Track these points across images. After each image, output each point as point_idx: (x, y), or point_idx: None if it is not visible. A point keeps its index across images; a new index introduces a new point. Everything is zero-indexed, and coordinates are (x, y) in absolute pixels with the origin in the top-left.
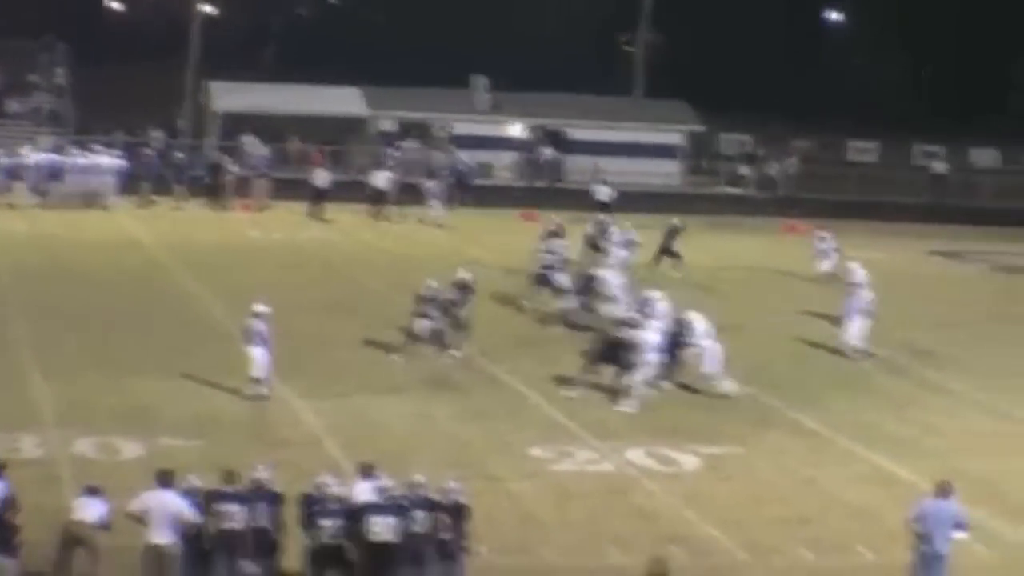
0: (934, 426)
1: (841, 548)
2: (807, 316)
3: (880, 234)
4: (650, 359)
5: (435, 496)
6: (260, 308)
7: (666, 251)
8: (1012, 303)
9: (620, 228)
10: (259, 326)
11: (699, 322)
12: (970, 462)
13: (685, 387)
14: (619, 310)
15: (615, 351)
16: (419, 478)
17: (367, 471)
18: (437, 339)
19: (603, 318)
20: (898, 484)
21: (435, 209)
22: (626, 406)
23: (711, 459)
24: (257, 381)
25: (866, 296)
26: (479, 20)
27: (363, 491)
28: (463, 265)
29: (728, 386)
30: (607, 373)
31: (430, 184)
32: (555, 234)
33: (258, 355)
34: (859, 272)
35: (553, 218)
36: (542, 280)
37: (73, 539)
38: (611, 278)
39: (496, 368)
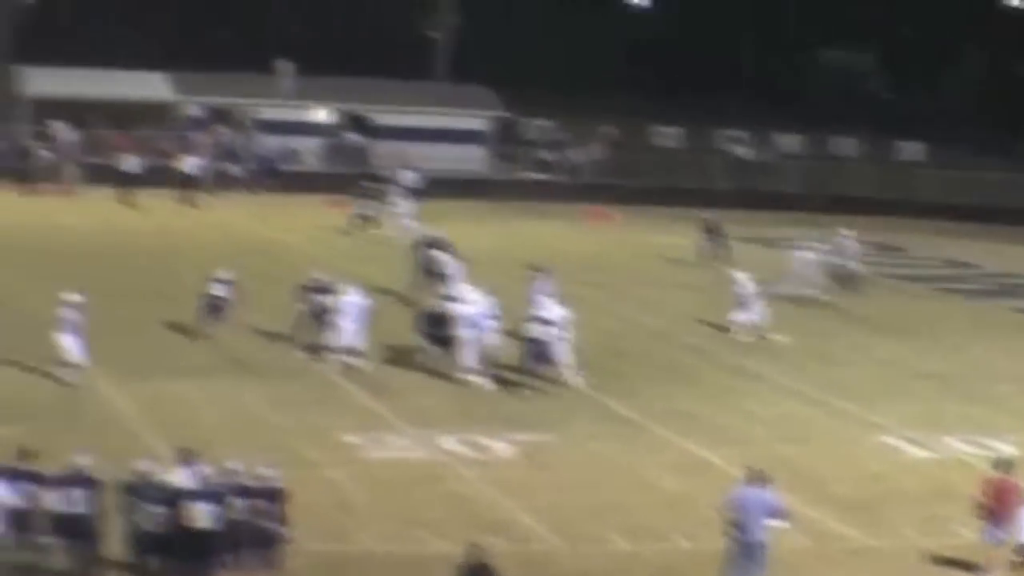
0: (748, 413)
1: (655, 535)
2: (616, 301)
3: (683, 220)
4: (468, 334)
5: (251, 482)
6: (71, 296)
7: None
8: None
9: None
10: (70, 314)
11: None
12: (785, 449)
13: (499, 373)
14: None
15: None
16: (234, 464)
17: (186, 457)
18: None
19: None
20: (712, 471)
21: (399, 207)
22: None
23: (524, 446)
24: (70, 367)
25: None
26: (284, 5)
27: (182, 477)
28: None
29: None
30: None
31: (398, 191)
32: None
33: (69, 342)
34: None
35: None
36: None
37: None
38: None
39: (308, 354)
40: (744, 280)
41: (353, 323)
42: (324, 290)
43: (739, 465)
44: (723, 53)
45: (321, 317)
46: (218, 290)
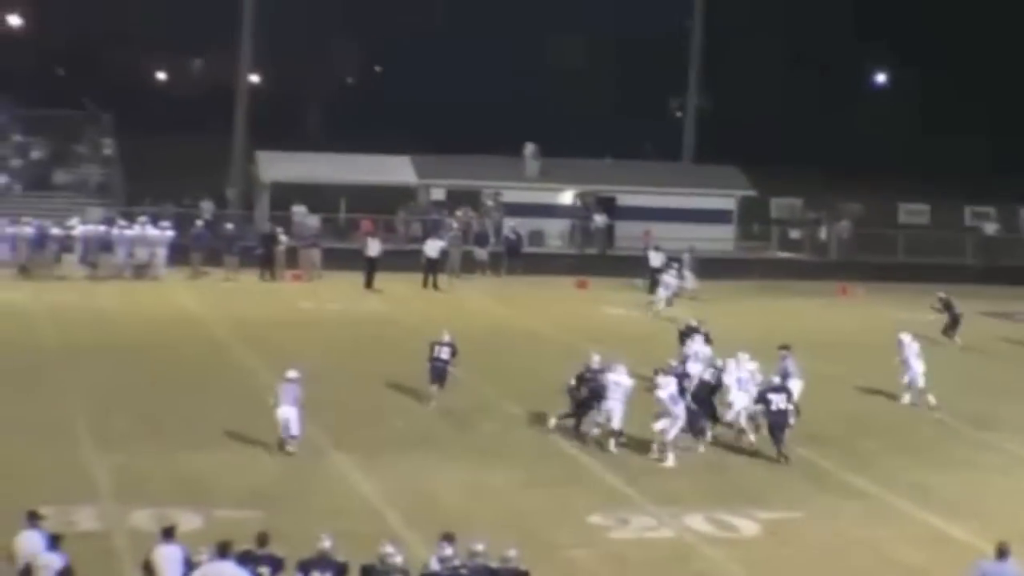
0: (989, 486)
1: None
2: (860, 378)
3: (928, 295)
4: (675, 412)
5: (495, 564)
6: (291, 374)
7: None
8: None
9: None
10: (289, 389)
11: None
12: None
13: (738, 450)
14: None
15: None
16: (479, 547)
17: (448, 538)
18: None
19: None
20: (954, 545)
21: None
22: (667, 461)
23: (768, 524)
24: (291, 438)
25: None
26: (528, 86)
27: (431, 560)
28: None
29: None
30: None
31: (670, 279)
32: None
33: (290, 414)
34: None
35: None
36: None
37: None
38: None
39: (552, 435)
40: (908, 341)
41: (618, 403)
42: (599, 374)
43: (982, 538)
44: (964, 130)
45: (590, 399)
46: (441, 353)
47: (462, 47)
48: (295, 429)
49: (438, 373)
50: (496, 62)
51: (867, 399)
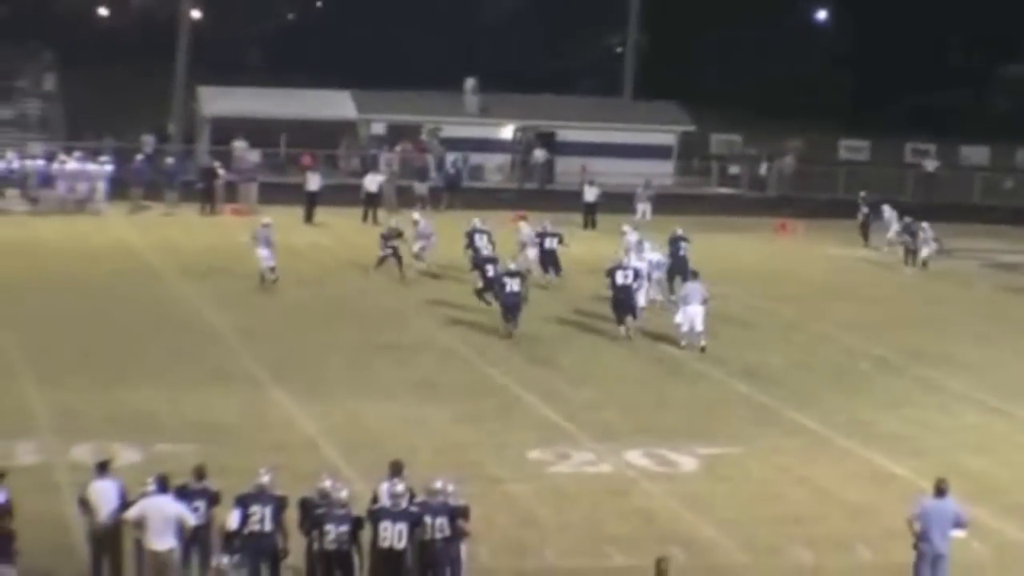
0: (930, 423)
1: (840, 547)
2: (803, 315)
3: (872, 233)
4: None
5: (442, 500)
6: (266, 220)
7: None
8: (1003, 300)
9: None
10: (264, 232)
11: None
12: (966, 459)
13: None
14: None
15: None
16: (438, 484)
17: (396, 470)
18: None
19: None
20: (895, 482)
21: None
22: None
23: (708, 459)
24: (271, 270)
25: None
26: (468, 22)
27: (384, 491)
28: None
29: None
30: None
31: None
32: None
33: (265, 254)
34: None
35: None
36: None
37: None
38: None
39: (492, 370)
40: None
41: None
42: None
43: (922, 476)
44: (905, 68)
45: None
46: (386, 249)
47: None
48: (273, 261)
49: (393, 259)
50: None
51: (809, 336)
